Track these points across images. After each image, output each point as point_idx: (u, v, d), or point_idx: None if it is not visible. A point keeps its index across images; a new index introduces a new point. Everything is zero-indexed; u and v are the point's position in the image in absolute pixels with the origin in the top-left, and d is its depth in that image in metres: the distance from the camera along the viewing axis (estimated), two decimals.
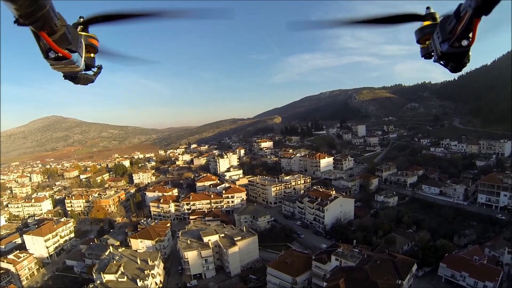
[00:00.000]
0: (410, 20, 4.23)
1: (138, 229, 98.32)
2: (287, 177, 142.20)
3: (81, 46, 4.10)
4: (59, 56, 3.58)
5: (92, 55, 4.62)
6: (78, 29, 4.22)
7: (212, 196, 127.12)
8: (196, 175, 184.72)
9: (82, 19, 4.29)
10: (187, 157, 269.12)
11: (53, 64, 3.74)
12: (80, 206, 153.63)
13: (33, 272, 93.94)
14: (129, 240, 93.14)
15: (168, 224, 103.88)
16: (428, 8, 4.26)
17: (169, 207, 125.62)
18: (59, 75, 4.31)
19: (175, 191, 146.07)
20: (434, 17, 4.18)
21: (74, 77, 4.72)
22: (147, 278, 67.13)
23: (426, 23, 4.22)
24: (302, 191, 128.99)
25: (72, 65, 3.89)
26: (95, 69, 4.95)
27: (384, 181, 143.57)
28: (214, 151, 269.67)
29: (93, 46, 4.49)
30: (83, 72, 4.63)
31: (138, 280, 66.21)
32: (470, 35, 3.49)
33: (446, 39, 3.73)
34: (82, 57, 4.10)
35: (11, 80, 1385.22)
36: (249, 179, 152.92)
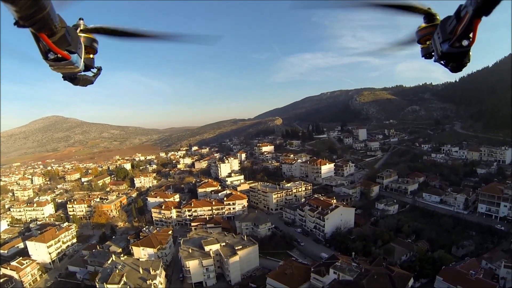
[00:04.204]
0: (413, 11, 4.33)
1: (140, 237, 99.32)
2: (288, 184, 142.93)
3: (81, 47, 4.18)
4: (58, 57, 3.66)
5: (91, 56, 4.69)
6: (78, 31, 4.33)
7: (213, 203, 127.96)
8: (198, 180, 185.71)
9: (81, 21, 4.42)
10: (188, 160, 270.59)
11: (53, 65, 3.82)
12: (82, 210, 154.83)
13: (36, 278, 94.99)
14: (131, 247, 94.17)
15: (170, 232, 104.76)
16: (429, 8, 4.36)
17: (170, 213, 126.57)
18: (59, 74, 4.41)
19: (176, 197, 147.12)
20: (435, 18, 4.31)
21: (73, 78, 4.80)
22: None
23: (427, 23, 4.36)
24: (303, 199, 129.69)
25: (71, 66, 3.97)
26: (94, 70, 5.03)
27: (385, 188, 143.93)
28: (215, 154, 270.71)
29: (92, 48, 4.56)
30: (83, 73, 4.72)
31: None
32: (471, 35, 3.60)
33: (447, 39, 3.84)
34: (81, 58, 4.18)
35: (11, 79, 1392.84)
36: (251, 185, 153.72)
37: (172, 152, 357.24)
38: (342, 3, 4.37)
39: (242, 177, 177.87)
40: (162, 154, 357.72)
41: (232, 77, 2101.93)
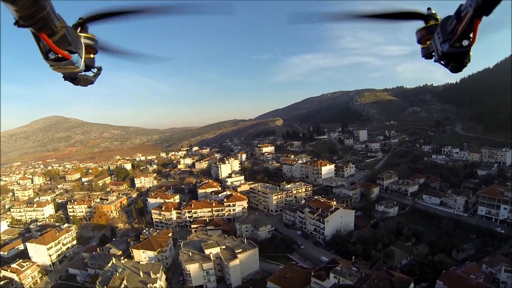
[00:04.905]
0: (411, 18, 4.35)
1: (140, 239, 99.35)
2: (288, 186, 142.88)
3: (81, 47, 4.19)
4: (59, 57, 3.66)
5: (91, 56, 4.68)
6: (78, 30, 4.29)
7: (213, 204, 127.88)
8: (198, 180, 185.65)
9: (82, 20, 4.34)
10: (188, 161, 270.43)
11: (53, 65, 3.83)
12: (82, 211, 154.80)
13: (36, 280, 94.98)
14: (132, 250, 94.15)
15: (170, 234, 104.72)
16: (429, 9, 4.35)
17: (170, 214, 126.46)
18: (60, 75, 4.39)
19: (176, 198, 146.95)
20: (435, 18, 4.29)
21: (74, 78, 4.79)
22: None
23: (427, 23, 4.34)
24: (303, 200, 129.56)
25: (71, 66, 3.96)
26: (95, 70, 5.02)
27: (385, 189, 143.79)
28: (215, 155, 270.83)
29: (92, 47, 4.55)
30: (83, 73, 4.70)
31: None
32: (471, 35, 3.59)
33: (447, 39, 3.82)
34: (81, 58, 4.17)
35: (12, 79, 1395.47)
36: (251, 186, 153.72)
37: (173, 152, 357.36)
38: (336, 16, 4.32)
39: (242, 177, 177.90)
40: (163, 154, 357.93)
41: (232, 78, 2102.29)
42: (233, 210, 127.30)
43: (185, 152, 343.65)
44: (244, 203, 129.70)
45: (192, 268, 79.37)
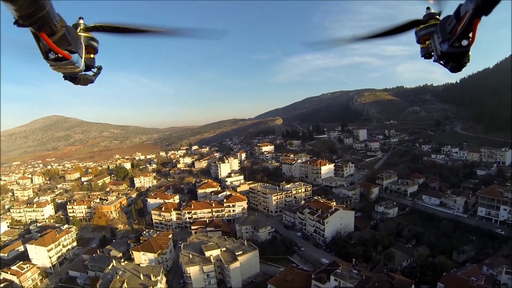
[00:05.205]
0: (413, 26, 4.42)
1: (141, 241, 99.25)
2: (288, 185, 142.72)
3: (81, 47, 4.17)
4: (59, 57, 3.65)
5: (92, 55, 4.67)
6: (78, 30, 4.30)
7: (213, 205, 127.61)
8: (197, 180, 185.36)
9: (81, 20, 4.37)
10: (188, 160, 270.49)
11: (53, 65, 3.82)
12: (82, 212, 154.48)
13: (36, 283, 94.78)
14: (132, 252, 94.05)
15: (170, 235, 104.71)
16: (428, 8, 4.35)
17: (170, 215, 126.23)
18: (60, 74, 4.38)
19: (176, 198, 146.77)
20: (434, 18, 4.28)
21: (74, 78, 4.76)
22: None
23: (426, 23, 4.34)
24: (302, 201, 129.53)
25: (72, 66, 3.95)
26: (95, 70, 5.00)
27: (385, 189, 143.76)
28: (215, 154, 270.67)
29: (93, 47, 4.53)
30: (83, 72, 4.68)
31: None
32: (470, 35, 3.59)
33: (446, 39, 3.83)
34: (82, 58, 4.17)
35: (12, 79, 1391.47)
36: (250, 186, 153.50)
37: (172, 152, 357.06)
38: (348, 40, 4.64)
39: (242, 177, 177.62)
40: (162, 153, 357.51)
41: (232, 78, 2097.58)
42: (233, 210, 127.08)
43: (184, 151, 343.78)
44: (244, 204, 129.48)
45: (193, 270, 79.24)
